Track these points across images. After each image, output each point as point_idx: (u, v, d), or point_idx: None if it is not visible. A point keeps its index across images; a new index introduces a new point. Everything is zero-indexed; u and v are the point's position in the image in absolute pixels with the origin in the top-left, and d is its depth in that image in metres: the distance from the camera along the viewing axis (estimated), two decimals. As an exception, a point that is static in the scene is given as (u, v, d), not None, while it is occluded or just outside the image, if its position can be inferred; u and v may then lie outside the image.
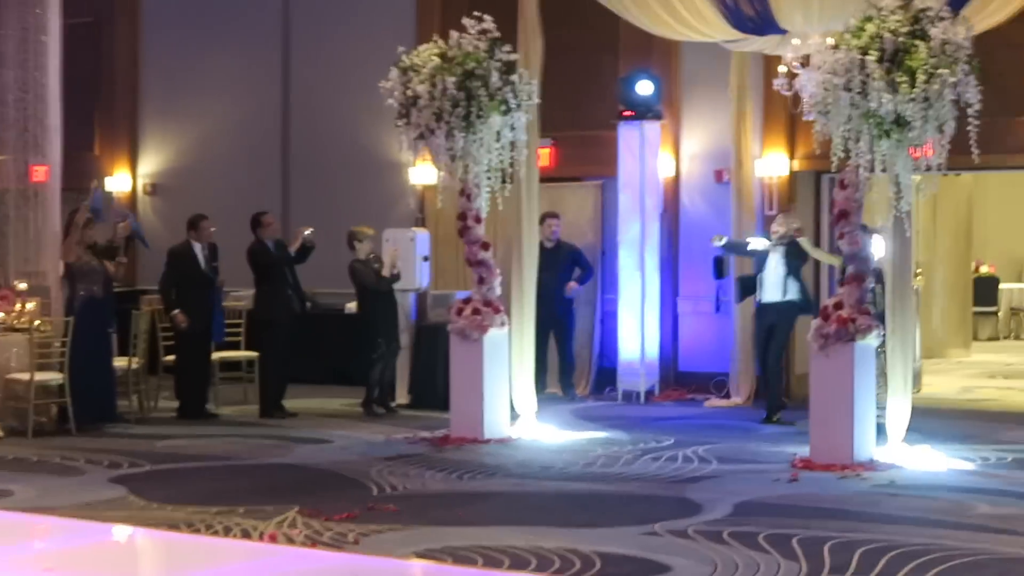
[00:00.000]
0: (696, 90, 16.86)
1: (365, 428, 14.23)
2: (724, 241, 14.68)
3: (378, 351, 15.26)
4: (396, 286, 15.45)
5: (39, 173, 15.06)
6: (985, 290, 23.72)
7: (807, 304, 14.44)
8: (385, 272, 15.25)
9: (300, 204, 19.03)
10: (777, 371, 14.73)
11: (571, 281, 16.18)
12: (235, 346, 16.36)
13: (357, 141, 18.89)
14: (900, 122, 11.25)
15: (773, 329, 14.50)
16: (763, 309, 14.63)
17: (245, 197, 18.70)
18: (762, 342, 14.73)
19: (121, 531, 9.29)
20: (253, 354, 15.91)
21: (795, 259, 14.35)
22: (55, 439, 13.40)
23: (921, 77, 11.08)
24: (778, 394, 14.61)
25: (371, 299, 15.39)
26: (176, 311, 14.89)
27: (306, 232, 15.09)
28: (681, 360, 16.95)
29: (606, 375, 16.87)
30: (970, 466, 11.87)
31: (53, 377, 13.77)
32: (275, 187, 19.61)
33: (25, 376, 13.59)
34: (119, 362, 14.52)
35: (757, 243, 14.61)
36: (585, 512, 10.12)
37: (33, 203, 14.97)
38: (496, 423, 13.43)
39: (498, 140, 13.26)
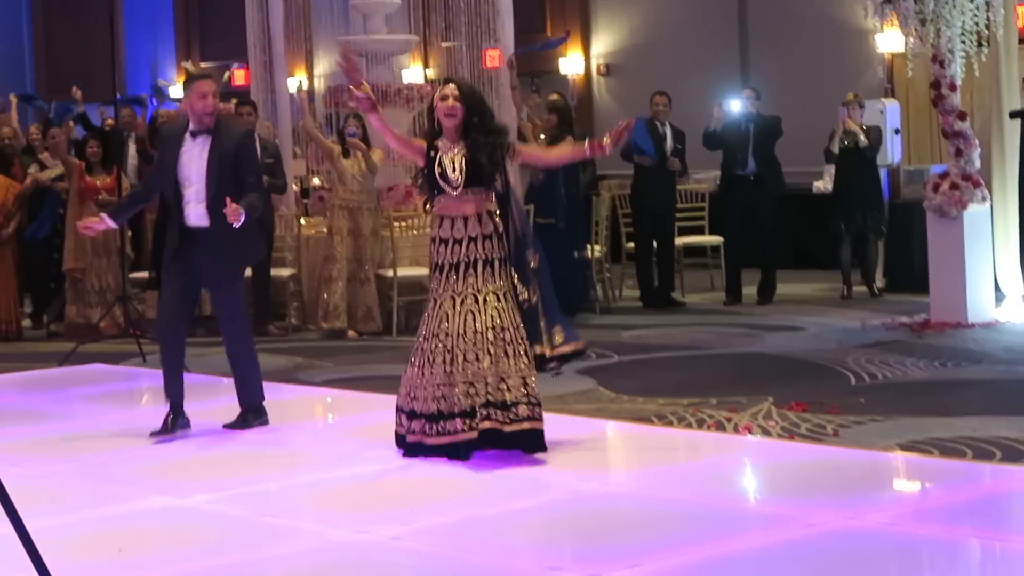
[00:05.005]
0: None
1: (839, 314, 13.69)
2: None
3: (836, 229, 14.76)
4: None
5: (492, 58, 15.04)
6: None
7: None
8: (833, 145, 14.67)
9: (760, 77, 18.41)
10: None
11: None
12: (699, 231, 16.02)
13: (819, 8, 18.25)
14: None
15: None
16: None
17: (702, 73, 18.35)
18: None
19: (593, 424, 9.12)
20: (717, 239, 15.56)
21: None
22: (522, 330, 13.38)
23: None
24: None
25: (836, 170, 14.91)
26: None
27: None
28: None
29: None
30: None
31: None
32: (733, 61, 19.15)
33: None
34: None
35: None
36: (1085, 400, 9.32)
37: (487, 91, 14.97)
38: (980, 306, 12.65)
39: (972, 0, 12.46)
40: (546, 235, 13.55)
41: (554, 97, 14.47)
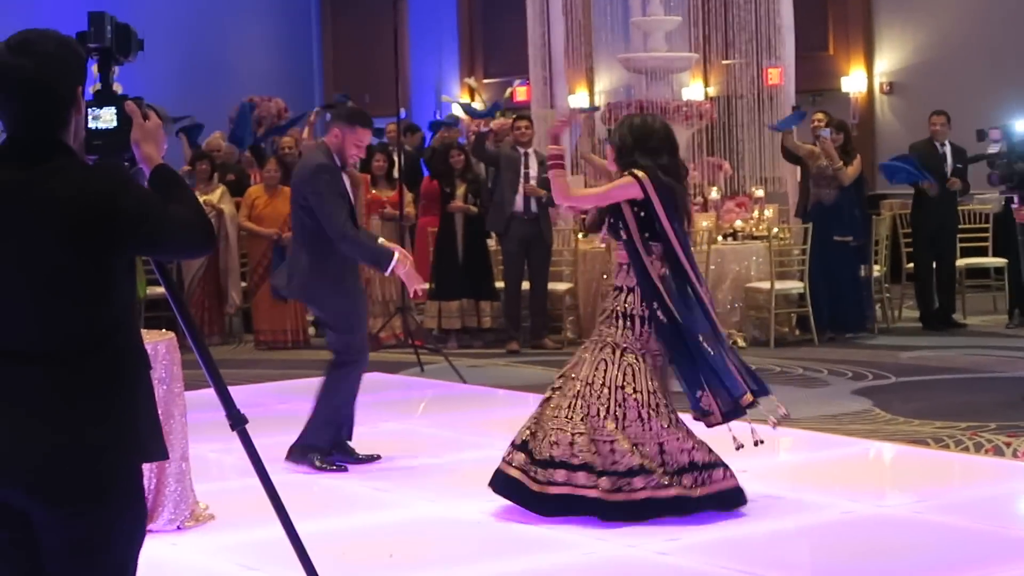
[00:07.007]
0: None
1: None
2: None
3: None
4: None
5: (773, 76, 14.92)
6: None
7: None
8: None
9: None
10: None
11: None
12: (982, 252, 15.62)
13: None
14: None
15: None
16: None
17: (989, 93, 17.88)
18: None
19: (866, 445, 8.98)
20: (1001, 261, 15.14)
21: None
22: (797, 349, 13.26)
23: None
24: None
25: None
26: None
27: None
28: None
29: None
30: None
31: (794, 286, 13.61)
32: (1021, 81, 18.58)
33: (766, 285, 13.49)
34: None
35: None
36: None
37: (768, 107, 14.87)
38: None
39: None
40: (837, 252, 13.47)
41: (819, 116, 14.19)
